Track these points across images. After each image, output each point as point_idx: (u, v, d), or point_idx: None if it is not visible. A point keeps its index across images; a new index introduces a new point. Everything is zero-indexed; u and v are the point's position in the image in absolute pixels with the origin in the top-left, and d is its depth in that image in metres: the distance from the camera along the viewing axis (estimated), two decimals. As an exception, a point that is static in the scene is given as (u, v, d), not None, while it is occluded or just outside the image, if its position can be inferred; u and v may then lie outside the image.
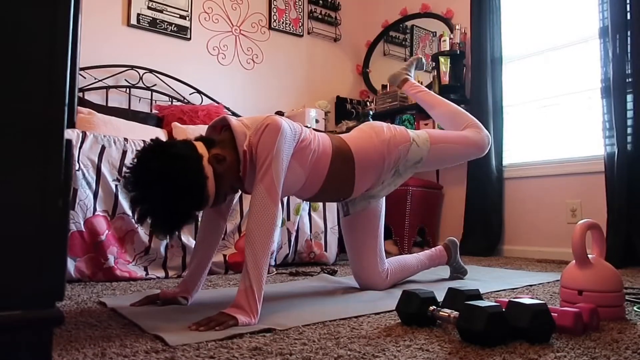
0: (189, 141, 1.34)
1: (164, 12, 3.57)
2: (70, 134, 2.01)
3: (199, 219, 2.22)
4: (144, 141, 2.25)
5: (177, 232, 1.33)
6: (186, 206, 1.26)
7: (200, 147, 1.32)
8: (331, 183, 1.59)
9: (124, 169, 1.29)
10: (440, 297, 1.27)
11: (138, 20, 3.45)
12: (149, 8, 3.50)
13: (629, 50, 2.69)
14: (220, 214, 1.54)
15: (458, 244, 2.06)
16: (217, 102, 3.70)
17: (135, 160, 1.24)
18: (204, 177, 1.27)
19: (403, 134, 1.71)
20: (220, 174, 1.31)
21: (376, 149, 1.65)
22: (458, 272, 2.06)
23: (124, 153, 2.14)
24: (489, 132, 3.34)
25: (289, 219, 2.58)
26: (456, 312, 1.10)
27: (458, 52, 3.65)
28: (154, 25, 3.51)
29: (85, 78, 3.17)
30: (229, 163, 1.34)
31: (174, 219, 1.25)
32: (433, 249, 2.02)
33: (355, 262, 1.78)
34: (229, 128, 1.42)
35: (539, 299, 1.29)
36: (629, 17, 2.70)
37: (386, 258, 1.81)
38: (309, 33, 4.36)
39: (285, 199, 2.57)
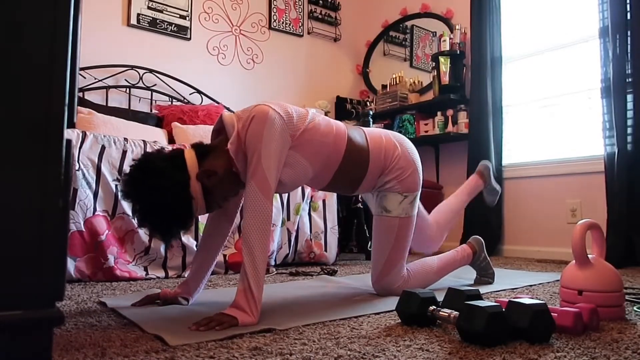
0: (179, 157, 1.28)
1: (164, 12, 3.57)
2: (70, 134, 2.01)
3: (198, 219, 2.24)
4: (144, 141, 2.25)
5: (175, 237, 1.34)
6: (172, 224, 1.27)
7: (191, 161, 1.27)
8: (342, 176, 1.53)
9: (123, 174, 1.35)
10: (440, 297, 1.27)
11: (138, 20, 3.45)
12: (149, 8, 3.50)
13: (629, 50, 2.69)
14: (226, 216, 1.50)
15: (483, 242, 1.93)
16: (217, 102, 3.70)
17: (126, 177, 1.26)
18: (188, 202, 1.26)
19: (411, 183, 1.62)
20: (210, 188, 1.29)
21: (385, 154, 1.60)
22: (485, 275, 1.92)
23: (124, 153, 2.14)
24: (489, 132, 3.38)
25: (289, 219, 2.58)
26: (456, 312, 1.10)
27: (458, 52, 3.65)
28: (154, 25, 3.51)
29: (85, 78, 3.17)
30: (220, 176, 1.30)
31: (165, 231, 1.28)
32: (456, 249, 1.89)
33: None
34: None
35: (539, 299, 1.29)
36: (629, 17, 2.70)
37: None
38: (309, 33, 4.36)
39: (285, 198, 2.57)
